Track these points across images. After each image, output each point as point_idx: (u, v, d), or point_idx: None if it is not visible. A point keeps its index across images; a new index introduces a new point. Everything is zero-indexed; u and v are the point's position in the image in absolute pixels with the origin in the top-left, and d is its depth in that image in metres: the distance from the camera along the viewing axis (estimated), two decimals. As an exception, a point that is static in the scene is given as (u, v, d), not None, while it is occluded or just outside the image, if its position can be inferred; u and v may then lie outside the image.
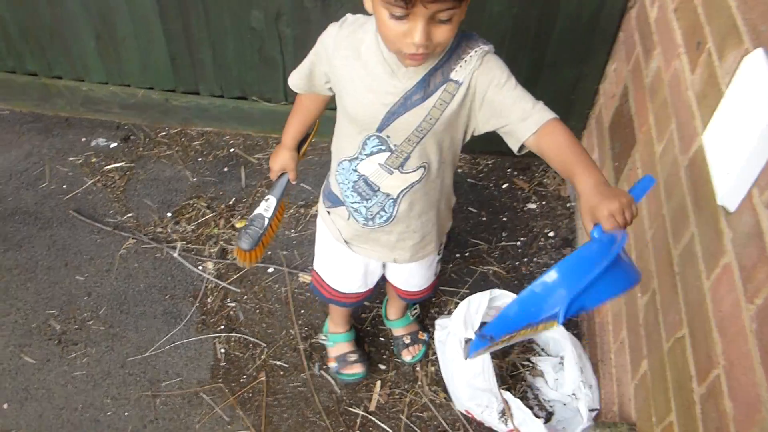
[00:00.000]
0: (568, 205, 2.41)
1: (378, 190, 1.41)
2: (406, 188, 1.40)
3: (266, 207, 1.62)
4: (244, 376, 1.94)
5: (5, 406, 1.86)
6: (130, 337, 2.02)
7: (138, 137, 2.60)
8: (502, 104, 1.24)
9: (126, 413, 1.86)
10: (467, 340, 1.75)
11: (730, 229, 1.17)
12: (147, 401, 1.88)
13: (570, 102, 2.34)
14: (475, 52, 1.24)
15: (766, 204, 1.05)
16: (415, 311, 2.06)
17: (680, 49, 1.56)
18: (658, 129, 1.64)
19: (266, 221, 1.61)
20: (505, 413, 1.75)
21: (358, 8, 1.26)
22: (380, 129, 1.32)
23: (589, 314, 1.99)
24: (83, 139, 2.59)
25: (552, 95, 2.28)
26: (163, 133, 2.62)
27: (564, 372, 1.89)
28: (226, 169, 2.49)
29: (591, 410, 1.70)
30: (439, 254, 1.72)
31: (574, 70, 2.26)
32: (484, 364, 1.70)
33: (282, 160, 1.63)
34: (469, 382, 1.73)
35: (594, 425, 1.54)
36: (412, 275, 1.73)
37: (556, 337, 1.89)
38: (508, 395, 1.75)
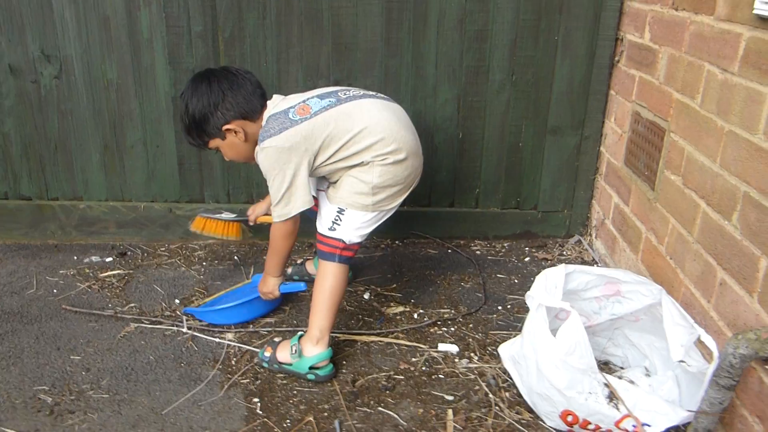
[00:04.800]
0: (595, 266, 2.34)
1: None
2: None
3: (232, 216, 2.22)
4: (287, 421, 1.60)
5: (-19, 476, 1.43)
6: (141, 401, 1.66)
7: (135, 253, 2.45)
8: None
9: (143, 469, 1.46)
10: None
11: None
12: (169, 456, 1.49)
13: (575, 169, 2.44)
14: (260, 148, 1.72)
15: None
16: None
17: (688, 21, 1.73)
18: (689, 88, 1.72)
19: (223, 215, 2.22)
20: (614, 396, 1.48)
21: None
22: None
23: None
24: (75, 258, 2.40)
25: (557, 164, 2.40)
26: (163, 249, 2.48)
27: (655, 373, 1.68)
28: (233, 268, 2.34)
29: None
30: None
31: (575, 135, 2.39)
32: (577, 337, 1.49)
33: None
34: (565, 361, 1.48)
35: (732, 337, 1.31)
36: None
37: (634, 338, 1.71)
38: (609, 377, 1.50)
